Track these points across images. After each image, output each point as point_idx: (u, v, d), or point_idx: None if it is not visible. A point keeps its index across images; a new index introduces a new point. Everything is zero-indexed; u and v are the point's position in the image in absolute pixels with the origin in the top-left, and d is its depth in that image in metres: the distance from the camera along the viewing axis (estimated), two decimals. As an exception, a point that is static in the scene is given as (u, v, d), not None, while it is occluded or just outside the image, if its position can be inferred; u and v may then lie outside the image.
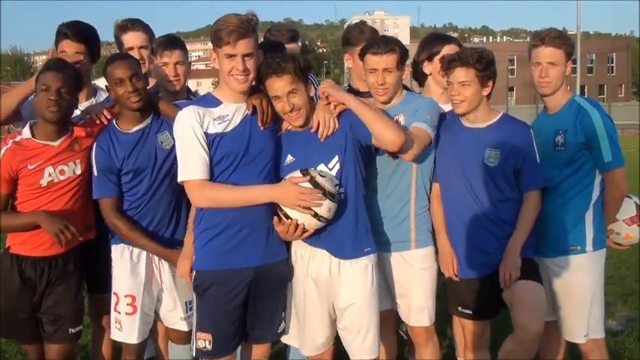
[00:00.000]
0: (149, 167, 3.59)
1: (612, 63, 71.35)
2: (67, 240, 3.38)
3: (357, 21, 5.02)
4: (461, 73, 3.56)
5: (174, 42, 4.07)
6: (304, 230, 3.24)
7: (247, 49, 3.23)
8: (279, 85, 3.29)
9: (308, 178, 3.19)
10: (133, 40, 4.28)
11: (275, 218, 3.28)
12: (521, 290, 3.51)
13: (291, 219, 3.21)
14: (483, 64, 3.57)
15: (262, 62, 3.33)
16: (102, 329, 3.95)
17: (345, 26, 5.03)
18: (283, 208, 3.22)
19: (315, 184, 3.17)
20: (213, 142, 3.28)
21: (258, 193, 3.29)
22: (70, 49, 3.88)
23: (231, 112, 3.34)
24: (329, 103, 3.42)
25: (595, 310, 3.71)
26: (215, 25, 3.27)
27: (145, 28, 4.37)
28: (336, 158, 3.37)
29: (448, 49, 4.02)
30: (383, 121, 3.32)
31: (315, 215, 3.17)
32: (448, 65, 3.61)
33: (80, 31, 3.94)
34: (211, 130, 3.28)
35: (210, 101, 3.39)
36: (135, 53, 4.19)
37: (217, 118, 3.31)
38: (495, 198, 3.62)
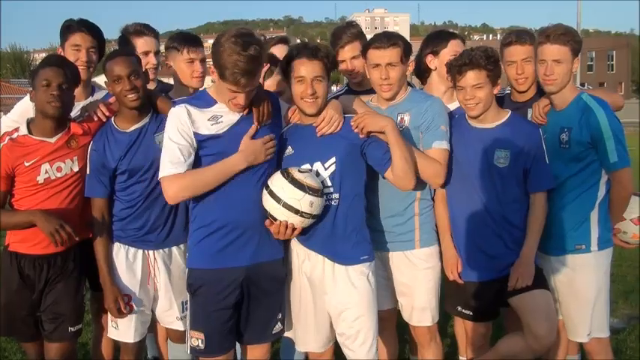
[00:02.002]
0: (145, 167, 3.53)
1: (612, 61, 71.44)
2: (62, 240, 3.35)
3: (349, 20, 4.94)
4: (473, 76, 3.52)
5: (199, 40, 4.10)
6: (294, 229, 3.22)
7: (250, 87, 3.16)
8: (308, 68, 3.30)
9: (285, 174, 3.20)
10: (144, 45, 4.25)
11: (267, 220, 3.26)
12: (536, 300, 3.51)
13: (278, 220, 3.19)
14: (492, 64, 3.55)
15: (294, 45, 3.33)
16: (103, 327, 3.92)
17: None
18: (268, 210, 3.21)
19: (293, 181, 3.16)
20: (204, 143, 3.23)
21: (231, 164, 3.23)
22: (85, 43, 3.89)
23: (225, 113, 3.29)
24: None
25: (599, 309, 3.69)
26: (220, 52, 3.06)
27: (155, 34, 4.36)
28: (333, 159, 3.35)
29: (454, 44, 4.00)
30: (407, 165, 3.32)
31: (298, 212, 3.15)
32: (459, 70, 3.54)
33: (92, 26, 3.97)
34: (203, 132, 3.24)
35: (205, 100, 3.34)
36: (150, 58, 4.22)
37: (211, 119, 3.26)
38: (504, 200, 3.60)
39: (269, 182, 3.23)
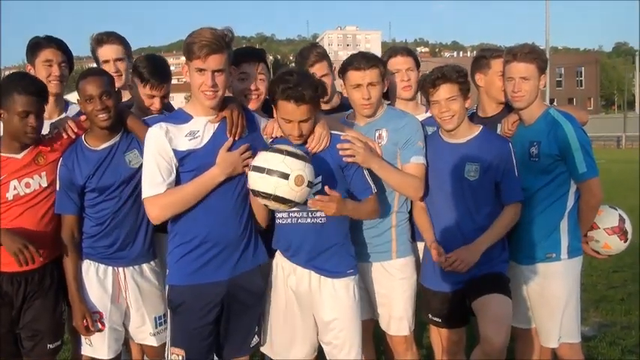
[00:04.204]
0: (114, 186, 3.53)
1: (581, 77, 72.76)
2: (25, 259, 3.31)
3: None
4: (447, 89, 3.62)
5: (165, 75, 3.91)
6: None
7: (218, 66, 3.21)
8: (295, 112, 3.27)
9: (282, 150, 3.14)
10: (109, 53, 4.25)
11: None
12: (488, 303, 3.55)
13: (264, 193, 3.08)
14: (463, 78, 3.67)
15: (281, 80, 3.27)
16: (80, 344, 3.91)
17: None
18: (255, 189, 3.12)
19: (289, 153, 3.11)
20: (184, 159, 3.26)
21: (209, 177, 3.26)
22: (56, 58, 3.94)
23: (202, 127, 3.32)
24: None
25: (569, 314, 3.77)
26: (188, 37, 3.23)
27: (121, 40, 4.33)
28: (319, 178, 3.36)
29: None
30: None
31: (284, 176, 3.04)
32: (433, 84, 3.63)
33: (61, 41, 4.01)
34: (182, 147, 3.26)
35: (180, 117, 3.38)
36: (111, 66, 4.19)
37: (188, 134, 3.29)
38: (475, 212, 3.68)
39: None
